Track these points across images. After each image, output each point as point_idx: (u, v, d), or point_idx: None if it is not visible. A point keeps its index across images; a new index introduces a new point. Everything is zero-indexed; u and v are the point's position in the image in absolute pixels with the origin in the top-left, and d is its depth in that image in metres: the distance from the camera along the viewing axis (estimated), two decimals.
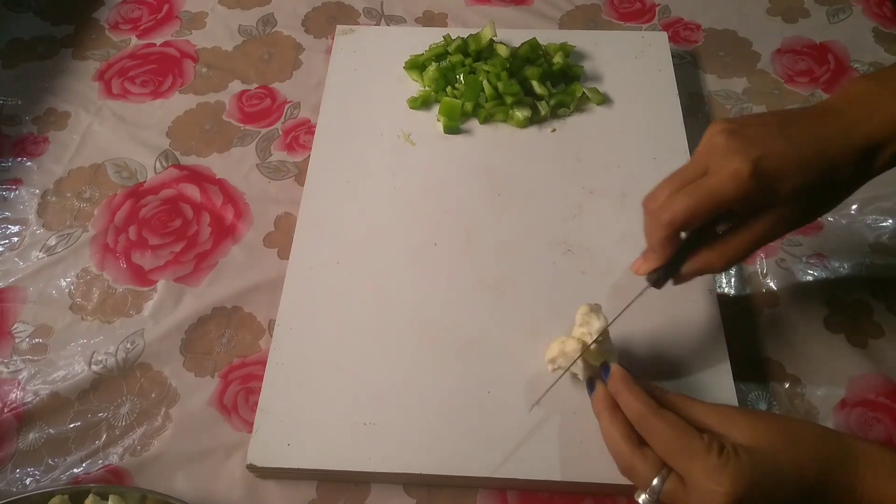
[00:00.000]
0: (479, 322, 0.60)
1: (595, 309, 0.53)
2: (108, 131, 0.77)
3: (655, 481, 0.44)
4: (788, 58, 0.82)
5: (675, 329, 0.59)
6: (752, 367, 0.60)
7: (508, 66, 0.73)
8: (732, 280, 0.65)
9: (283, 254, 0.67)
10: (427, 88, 0.75)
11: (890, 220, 0.68)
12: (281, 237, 0.68)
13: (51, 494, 0.50)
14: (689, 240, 0.50)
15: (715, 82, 0.80)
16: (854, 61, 0.81)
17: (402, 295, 0.61)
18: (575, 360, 0.52)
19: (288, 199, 0.70)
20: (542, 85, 0.73)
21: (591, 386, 0.51)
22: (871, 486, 0.42)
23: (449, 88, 0.74)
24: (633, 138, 0.71)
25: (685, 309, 0.60)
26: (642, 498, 0.44)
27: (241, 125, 0.77)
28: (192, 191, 0.71)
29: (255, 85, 0.80)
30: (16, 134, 0.77)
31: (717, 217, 0.49)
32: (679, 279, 0.51)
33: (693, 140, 0.71)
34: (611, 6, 0.88)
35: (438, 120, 0.73)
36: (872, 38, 0.83)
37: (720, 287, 0.64)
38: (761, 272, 0.65)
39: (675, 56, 0.79)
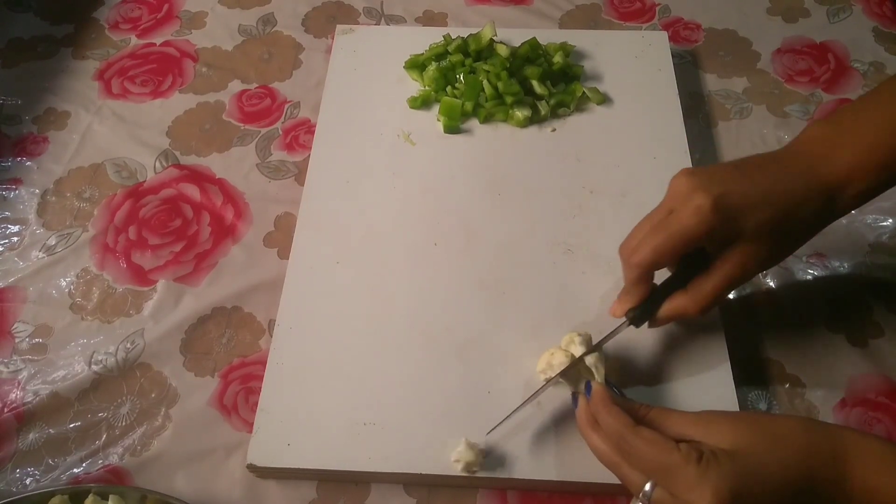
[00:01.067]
0: (479, 322, 0.60)
1: (581, 336, 0.55)
2: (107, 131, 0.77)
3: (647, 487, 0.44)
4: (788, 57, 0.82)
5: (674, 329, 0.59)
6: (752, 367, 0.60)
7: (508, 65, 0.73)
8: None
9: (283, 254, 0.67)
10: (427, 88, 0.75)
11: (890, 220, 0.68)
12: (281, 237, 0.68)
13: (51, 494, 0.50)
14: (665, 284, 0.53)
15: (715, 82, 0.80)
16: (854, 61, 0.81)
17: (401, 295, 0.61)
18: (551, 381, 0.53)
19: (288, 198, 0.70)
20: (542, 85, 0.73)
21: (575, 400, 0.51)
22: (860, 477, 0.42)
23: (449, 88, 0.74)
24: (633, 138, 0.71)
25: None
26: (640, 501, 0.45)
27: (241, 125, 0.77)
28: (192, 190, 0.71)
29: (255, 84, 0.80)
30: (16, 134, 0.77)
31: (689, 261, 0.51)
32: (654, 323, 0.54)
33: (693, 140, 0.71)
34: (611, 6, 0.87)
35: (438, 120, 0.73)
36: (872, 37, 0.83)
37: None
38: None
39: (675, 56, 0.79)
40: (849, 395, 0.58)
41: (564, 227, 0.65)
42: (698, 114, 0.77)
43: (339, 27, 0.82)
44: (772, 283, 0.64)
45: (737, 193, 0.48)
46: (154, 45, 0.85)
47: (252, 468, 0.54)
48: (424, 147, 0.71)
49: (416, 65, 0.76)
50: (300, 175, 0.72)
